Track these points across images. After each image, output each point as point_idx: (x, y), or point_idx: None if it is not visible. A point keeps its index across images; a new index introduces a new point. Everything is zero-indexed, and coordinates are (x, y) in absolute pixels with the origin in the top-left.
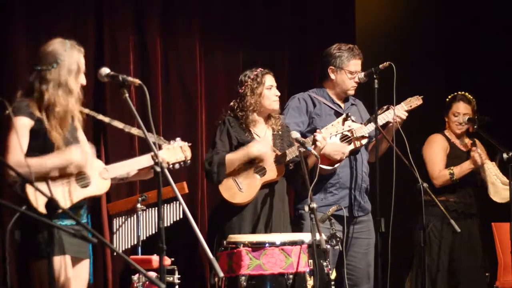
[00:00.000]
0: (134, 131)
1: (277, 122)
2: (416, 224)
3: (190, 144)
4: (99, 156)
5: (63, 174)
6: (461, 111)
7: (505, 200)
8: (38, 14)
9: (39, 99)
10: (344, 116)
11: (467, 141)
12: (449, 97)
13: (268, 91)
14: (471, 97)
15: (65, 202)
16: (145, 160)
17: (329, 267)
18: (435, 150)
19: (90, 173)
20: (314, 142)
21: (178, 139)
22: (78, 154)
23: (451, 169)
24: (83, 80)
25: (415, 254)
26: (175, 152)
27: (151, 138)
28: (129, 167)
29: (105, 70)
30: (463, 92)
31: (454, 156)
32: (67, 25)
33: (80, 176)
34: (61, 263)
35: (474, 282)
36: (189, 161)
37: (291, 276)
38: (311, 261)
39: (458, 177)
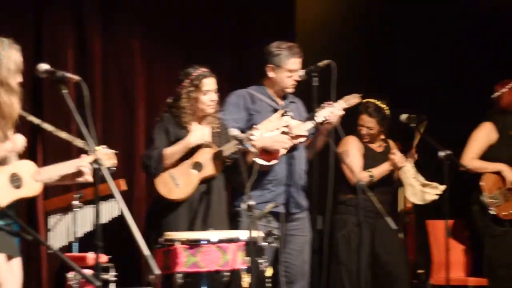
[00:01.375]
0: (63, 135)
1: (215, 120)
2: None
3: (117, 152)
4: (35, 157)
5: None
6: (365, 123)
7: (423, 202)
8: None
9: None
10: (281, 111)
11: (380, 143)
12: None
13: (204, 96)
14: (382, 106)
15: None
16: (75, 165)
17: (266, 264)
18: (351, 152)
19: (22, 174)
20: (251, 140)
21: (104, 146)
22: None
23: (370, 171)
24: (20, 78)
25: (337, 253)
26: (102, 158)
27: (80, 143)
28: (62, 170)
29: (43, 66)
30: (373, 100)
31: (368, 157)
32: (5, 21)
33: (14, 177)
34: None
35: (397, 277)
36: (114, 169)
37: (227, 274)
38: (247, 258)
39: (377, 178)
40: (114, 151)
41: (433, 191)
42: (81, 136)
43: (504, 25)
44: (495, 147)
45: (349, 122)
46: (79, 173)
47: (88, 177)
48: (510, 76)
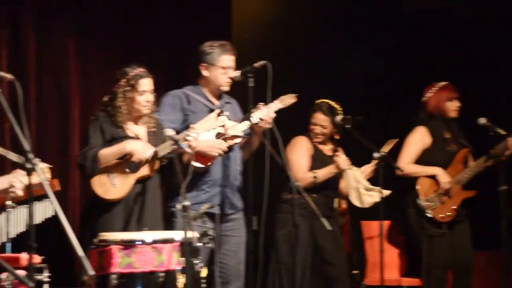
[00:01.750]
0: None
1: (151, 120)
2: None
3: (51, 166)
4: None
5: None
6: (318, 122)
7: (368, 205)
8: None
9: None
10: (217, 111)
11: (331, 146)
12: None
13: (141, 96)
14: (336, 106)
15: None
16: (8, 181)
17: (201, 265)
18: (299, 152)
19: None
20: (187, 140)
21: (38, 160)
22: None
23: (315, 172)
24: None
25: (276, 252)
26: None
27: (14, 157)
28: None
29: None
30: (327, 101)
31: (318, 159)
32: None
33: None
34: None
35: (336, 277)
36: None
37: (162, 274)
38: (182, 259)
39: (321, 180)
40: (48, 165)
41: (376, 195)
42: (15, 136)
43: (427, 26)
44: (429, 151)
45: (296, 124)
46: (11, 188)
47: (19, 192)
48: (435, 77)
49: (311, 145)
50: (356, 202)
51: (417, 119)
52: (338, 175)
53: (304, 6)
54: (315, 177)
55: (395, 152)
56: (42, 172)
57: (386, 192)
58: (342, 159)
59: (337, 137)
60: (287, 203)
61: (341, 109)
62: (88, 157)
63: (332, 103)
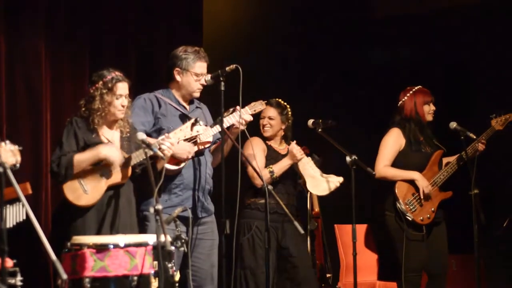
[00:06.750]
0: None
1: (125, 124)
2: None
3: (20, 148)
4: None
5: None
6: (266, 114)
7: (325, 192)
8: None
9: None
10: (192, 121)
11: (285, 146)
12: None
13: (117, 100)
14: (284, 104)
15: None
16: None
17: (174, 268)
18: (254, 152)
19: None
20: (161, 148)
21: (7, 142)
22: None
23: (271, 167)
24: None
25: (241, 258)
26: (6, 154)
27: None
28: None
29: None
30: (277, 99)
31: (272, 158)
32: None
33: None
34: None
35: (303, 279)
36: (18, 166)
37: (135, 278)
38: (155, 262)
39: (278, 175)
40: (18, 147)
41: (335, 180)
42: None
43: (398, 31)
44: (404, 153)
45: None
46: None
47: None
48: (407, 82)
49: (264, 144)
50: (313, 190)
51: (392, 122)
52: (295, 171)
53: (275, 9)
54: (271, 172)
55: (372, 153)
56: (12, 154)
57: (341, 179)
58: (296, 149)
59: (282, 134)
60: (249, 208)
61: (289, 109)
62: (62, 164)
63: (280, 100)
